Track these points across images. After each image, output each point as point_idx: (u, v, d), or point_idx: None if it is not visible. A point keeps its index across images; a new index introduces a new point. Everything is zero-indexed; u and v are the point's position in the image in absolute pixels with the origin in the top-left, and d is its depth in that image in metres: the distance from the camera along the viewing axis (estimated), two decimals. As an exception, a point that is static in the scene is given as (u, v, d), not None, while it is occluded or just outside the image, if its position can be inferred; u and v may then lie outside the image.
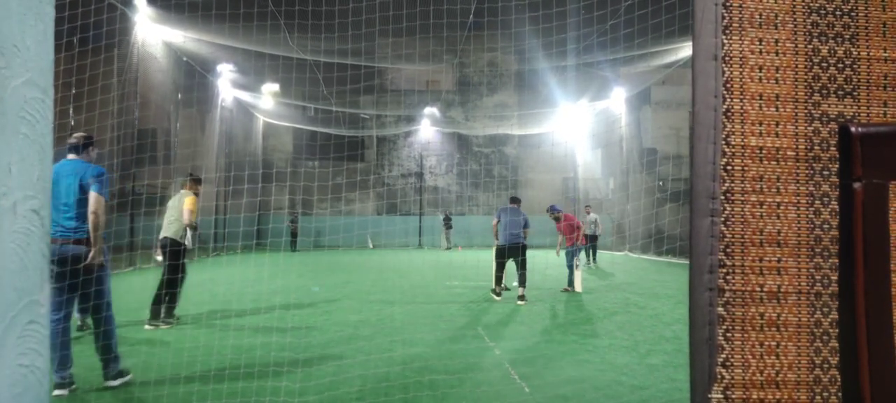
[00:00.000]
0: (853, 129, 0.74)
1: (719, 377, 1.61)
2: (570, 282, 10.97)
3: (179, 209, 7.30)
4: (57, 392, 4.31)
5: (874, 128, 0.75)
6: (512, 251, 9.52)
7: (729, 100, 1.64)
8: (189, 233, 7.27)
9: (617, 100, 23.77)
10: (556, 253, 11.88)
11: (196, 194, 7.56)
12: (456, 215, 29.38)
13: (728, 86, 1.65)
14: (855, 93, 1.63)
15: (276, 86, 23.54)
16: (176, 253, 7.21)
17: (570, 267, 11.02)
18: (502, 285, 9.85)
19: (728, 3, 1.65)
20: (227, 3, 11.42)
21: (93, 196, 4.42)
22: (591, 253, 16.75)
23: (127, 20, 15.21)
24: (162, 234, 7.37)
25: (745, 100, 1.64)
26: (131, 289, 10.86)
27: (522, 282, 9.43)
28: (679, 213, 20.59)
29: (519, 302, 9.31)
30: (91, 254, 4.43)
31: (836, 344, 1.58)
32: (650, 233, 21.71)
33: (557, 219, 11.24)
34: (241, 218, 22.40)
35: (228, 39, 15.91)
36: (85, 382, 4.68)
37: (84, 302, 4.55)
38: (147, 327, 6.99)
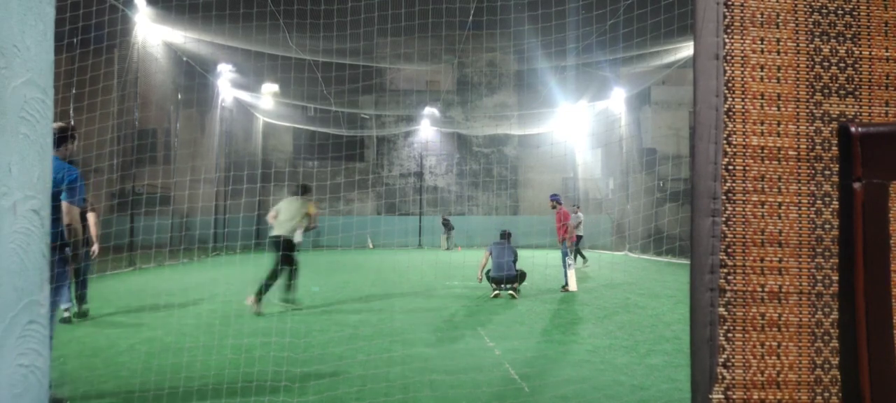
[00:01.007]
0: (853, 129, 0.74)
1: (720, 377, 1.61)
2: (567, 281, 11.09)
3: (291, 212, 8.43)
4: None
5: (874, 128, 0.75)
6: (499, 279, 9.87)
7: (730, 99, 1.64)
8: (299, 232, 8.46)
9: (617, 100, 23.76)
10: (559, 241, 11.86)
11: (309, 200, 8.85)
12: (456, 215, 29.36)
13: (729, 85, 1.65)
14: (857, 93, 1.63)
15: (275, 87, 23.53)
16: (288, 249, 8.25)
17: (565, 266, 11.16)
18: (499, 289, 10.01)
19: (729, 3, 1.65)
20: (227, 3, 11.42)
21: (64, 206, 3.94)
22: (576, 255, 16.65)
23: (127, 20, 15.20)
24: (275, 232, 8.37)
25: (746, 100, 1.64)
26: (130, 290, 10.86)
27: (521, 279, 9.99)
28: (679, 213, 20.60)
29: (512, 296, 9.70)
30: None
31: (838, 345, 1.58)
32: (650, 233, 21.72)
33: (554, 208, 11.44)
34: (240, 218, 22.40)
35: (228, 39, 15.90)
36: (77, 388, 4.67)
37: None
38: (248, 300, 8.08)
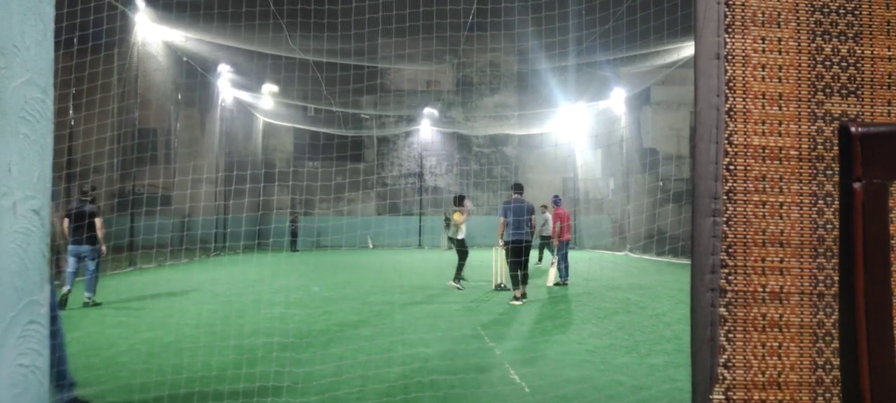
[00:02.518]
0: (853, 129, 0.74)
1: (721, 377, 1.61)
2: (561, 276, 11.67)
3: (453, 220, 11.80)
4: None
5: (874, 128, 0.74)
6: (517, 250, 9.38)
7: (731, 99, 1.64)
8: (453, 230, 11.73)
9: (617, 100, 23.74)
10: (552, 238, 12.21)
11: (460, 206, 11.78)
12: (456, 215, 29.32)
13: (730, 85, 1.64)
14: (858, 93, 1.62)
15: (275, 87, 23.53)
16: (458, 245, 11.41)
17: (557, 262, 11.73)
18: (520, 289, 9.37)
19: (730, 2, 1.65)
20: (227, 3, 11.43)
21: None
22: (543, 252, 16.72)
23: (127, 20, 15.20)
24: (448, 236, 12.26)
25: (747, 100, 1.64)
26: (131, 289, 10.86)
27: (524, 281, 9.40)
28: (679, 213, 20.59)
29: (514, 300, 9.37)
30: None
31: (839, 346, 1.57)
32: (650, 234, 21.69)
33: (551, 207, 12.05)
34: (241, 218, 22.40)
35: (228, 39, 15.90)
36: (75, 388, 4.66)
37: None
38: (452, 283, 11.15)
